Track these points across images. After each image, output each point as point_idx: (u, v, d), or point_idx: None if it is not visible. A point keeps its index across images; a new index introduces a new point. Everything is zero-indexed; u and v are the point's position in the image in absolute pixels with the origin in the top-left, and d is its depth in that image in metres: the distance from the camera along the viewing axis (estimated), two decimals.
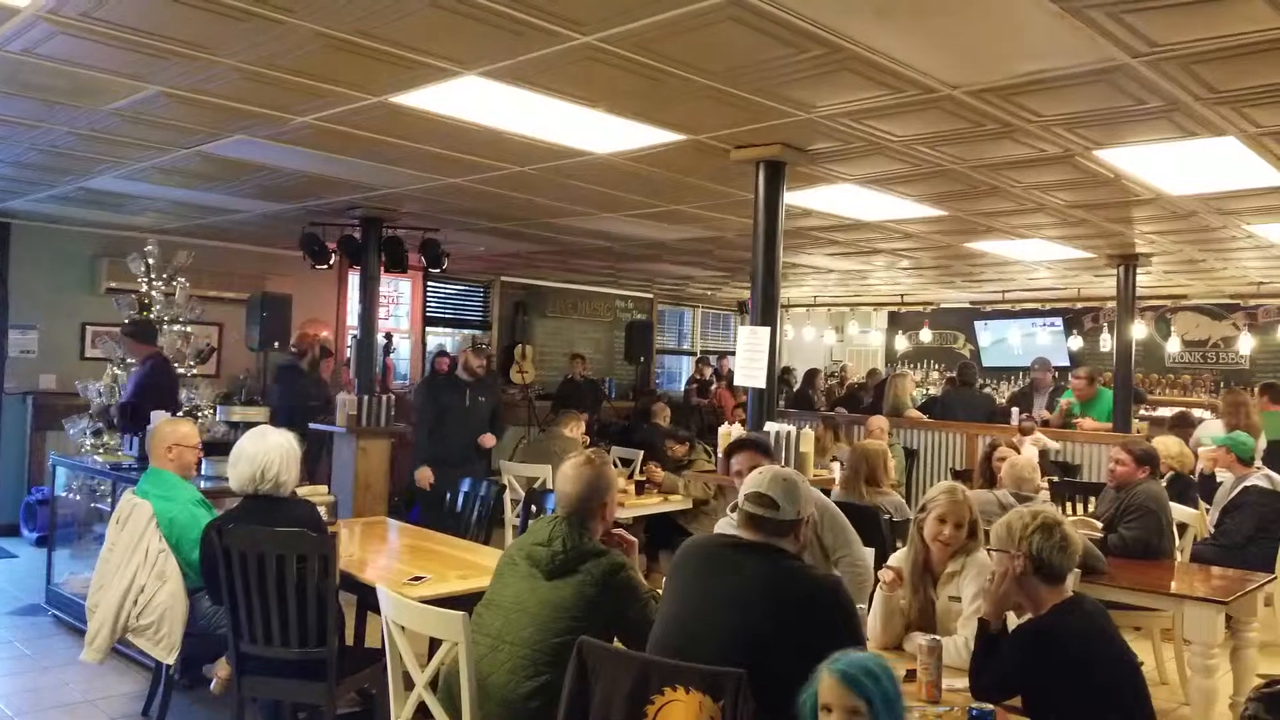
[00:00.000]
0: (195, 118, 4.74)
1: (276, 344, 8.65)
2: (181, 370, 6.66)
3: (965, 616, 3.09)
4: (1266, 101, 3.87)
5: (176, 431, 4.35)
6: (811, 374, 12.60)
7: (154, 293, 6.57)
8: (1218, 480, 6.32)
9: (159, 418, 5.00)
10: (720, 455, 5.19)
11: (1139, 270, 8.32)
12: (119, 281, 7.98)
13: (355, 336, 7.85)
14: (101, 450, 6.13)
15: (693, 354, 14.71)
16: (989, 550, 2.85)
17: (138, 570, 3.87)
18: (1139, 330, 10.05)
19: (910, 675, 2.79)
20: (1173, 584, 4.37)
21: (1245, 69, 3.49)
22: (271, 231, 8.47)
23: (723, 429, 5.35)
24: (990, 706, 2.38)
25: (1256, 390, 8.66)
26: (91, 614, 4.01)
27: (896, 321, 15.65)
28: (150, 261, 6.60)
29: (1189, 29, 3.15)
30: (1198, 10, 3.00)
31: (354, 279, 9.12)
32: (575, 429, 7.19)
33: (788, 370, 13.12)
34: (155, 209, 7.58)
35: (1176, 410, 8.92)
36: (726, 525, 2.86)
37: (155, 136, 5.16)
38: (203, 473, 5.19)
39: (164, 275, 6.64)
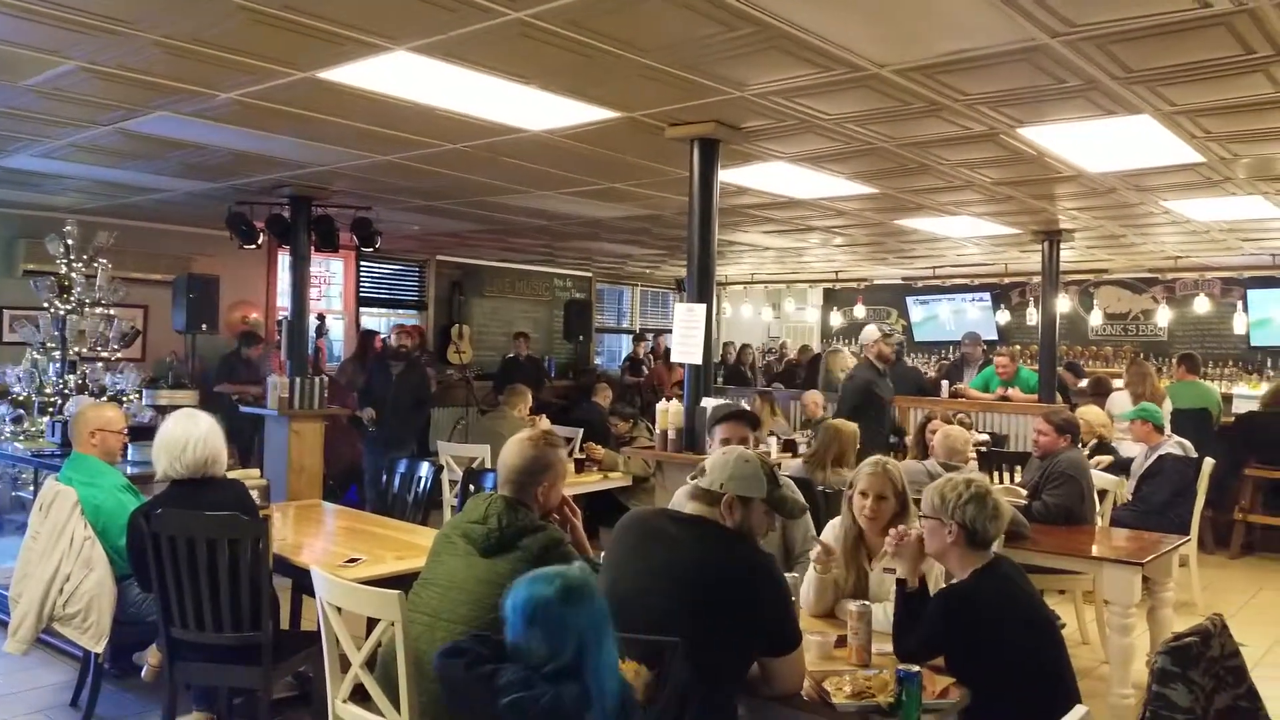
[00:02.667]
0: (116, 94, 4.60)
1: (204, 326, 8.46)
2: (105, 354, 6.49)
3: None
4: (1180, 81, 4.00)
5: (101, 416, 4.25)
6: (744, 350, 12.76)
7: (74, 275, 6.37)
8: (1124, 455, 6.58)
9: (81, 403, 4.88)
10: (661, 434, 5.25)
11: (1063, 246, 8.57)
12: (37, 263, 7.70)
13: (285, 318, 7.71)
14: (22, 437, 5.96)
15: (632, 332, 14.75)
16: (919, 516, 2.92)
17: (62, 558, 3.78)
18: (1063, 304, 10.35)
19: (841, 641, 2.87)
20: (1093, 548, 4.54)
21: (1159, 49, 3.62)
22: (197, 211, 8.26)
23: (660, 405, 5.39)
24: (916, 668, 2.46)
25: (1174, 360, 9.01)
26: (15, 604, 3.92)
27: (832, 298, 15.87)
28: (70, 243, 6.40)
29: (1105, 9, 3.25)
30: None
31: (284, 259, 8.96)
32: (522, 408, 7.14)
33: (728, 346, 13.26)
34: (75, 188, 7.34)
35: (1092, 378, 9.23)
36: (683, 496, 2.88)
37: (74, 113, 5.01)
38: (129, 457, 5.07)
39: (84, 257, 6.45)
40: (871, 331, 7.32)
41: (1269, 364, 11.63)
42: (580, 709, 1.94)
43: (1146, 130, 4.76)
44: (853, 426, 5.60)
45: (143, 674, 3.81)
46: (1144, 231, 8.57)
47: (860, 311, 14.25)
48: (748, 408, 4.65)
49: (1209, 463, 6.11)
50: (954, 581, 2.81)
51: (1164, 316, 12.05)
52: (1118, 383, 8.43)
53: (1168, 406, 7.36)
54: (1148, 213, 7.42)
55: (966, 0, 3.18)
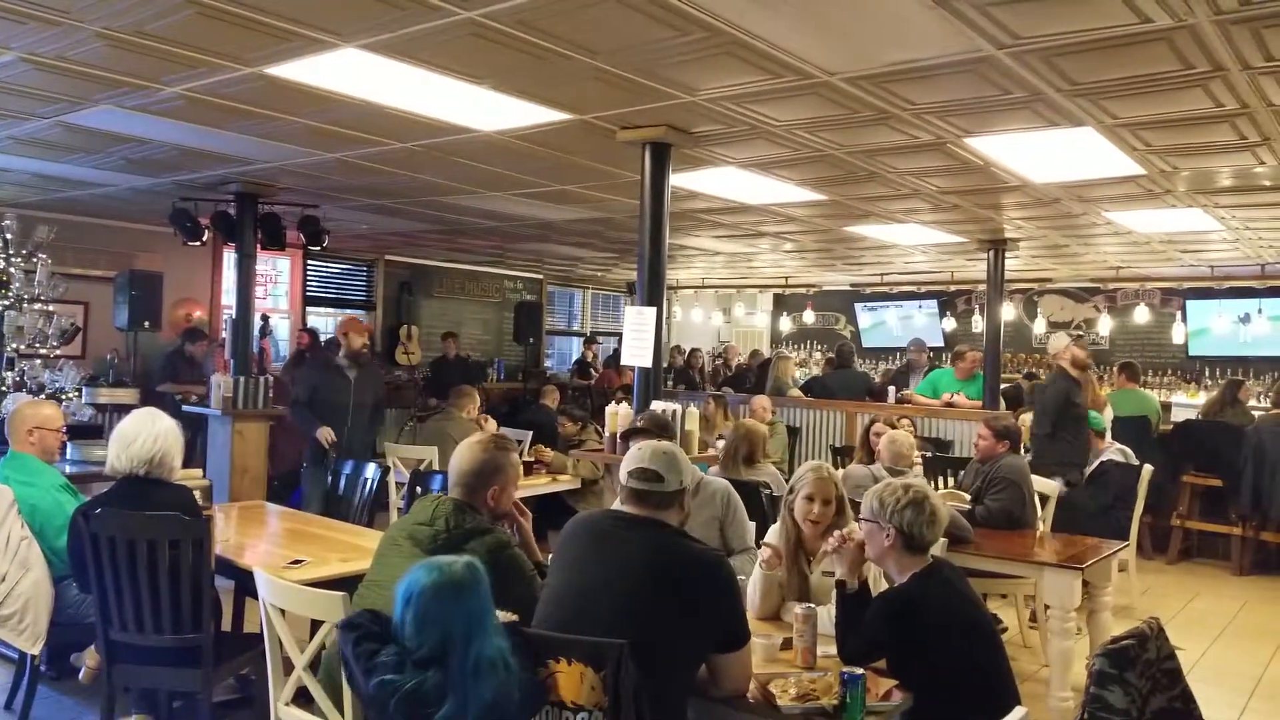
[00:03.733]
0: (57, 86, 4.50)
1: (147, 324, 8.29)
2: (44, 351, 6.33)
3: None
4: (1122, 94, 4.11)
5: (39, 414, 4.16)
6: (694, 353, 12.83)
7: (12, 270, 6.21)
8: None
9: (19, 400, 4.76)
10: (611, 437, 5.25)
11: (1008, 254, 8.72)
12: None
13: (230, 316, 7.58)
14: None
15: (583, 335, 14.73)
16: (859, 520, 2.96)
17: None
18: (1008, 312, 10.57)
19: (787, 643, 2.90)
20: (1035, 551, 4.62)
21: (1102, 63, 3.71)
22: (140, 207, 8.10)
23: (610, 408, 5.40)
24: (861, 670, 2.50)
25: (1115, 369, 9.22)
26: None
27: (781, 303, 16.01)
28: (8, 237, 6.24)
29: (1050, 23, 3.33)
30: (1058, 6, 3.17)
31: (229, 257, 8.81)
32: (471, 409, 7.07)
33: (678, 350, 13.31)
34: (13, 181, 7.15)
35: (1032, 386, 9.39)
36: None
37: (12, 105, 4.89)
38: (67, 456, 4.96)
39: (23, 251, 6.29)
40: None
41: (1207, 373, 11.95)
42: (439, 700, 1.99)
43: (1089, 142, 4.87)
44: (760, 426, 5.66)
45: (80, 676, 3.74)
46: (1086, 241, 8.77)
47: (809, 317, 14.40)
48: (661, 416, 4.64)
49: (1148, 469, 6.26)
50: (894, 585, 2.85)
51: (1105, 325, 12.33)
52: None
53: (1109, 414, 7.54)
54: (1090, 223, 7.60)
55: (915, 11, 3.24)
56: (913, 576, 2.78)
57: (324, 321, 11.47)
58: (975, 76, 3.91)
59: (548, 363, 14.21)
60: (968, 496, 5.10)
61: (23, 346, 6.23)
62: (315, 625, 2.76)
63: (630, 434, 4.22)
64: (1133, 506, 6.10)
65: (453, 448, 6.11)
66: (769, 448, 6.07)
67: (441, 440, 6.60)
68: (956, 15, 3.26)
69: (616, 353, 13.29)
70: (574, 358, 14.20)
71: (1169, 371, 12.21)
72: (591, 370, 12.67)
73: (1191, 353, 12.14)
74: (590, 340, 13.95)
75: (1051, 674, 4.28)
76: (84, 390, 6.28)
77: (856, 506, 3.37)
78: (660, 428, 4.16)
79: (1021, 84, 3.98)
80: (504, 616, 2.28)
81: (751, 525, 4.00)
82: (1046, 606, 4.42)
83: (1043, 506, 5.55)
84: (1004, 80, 3.94)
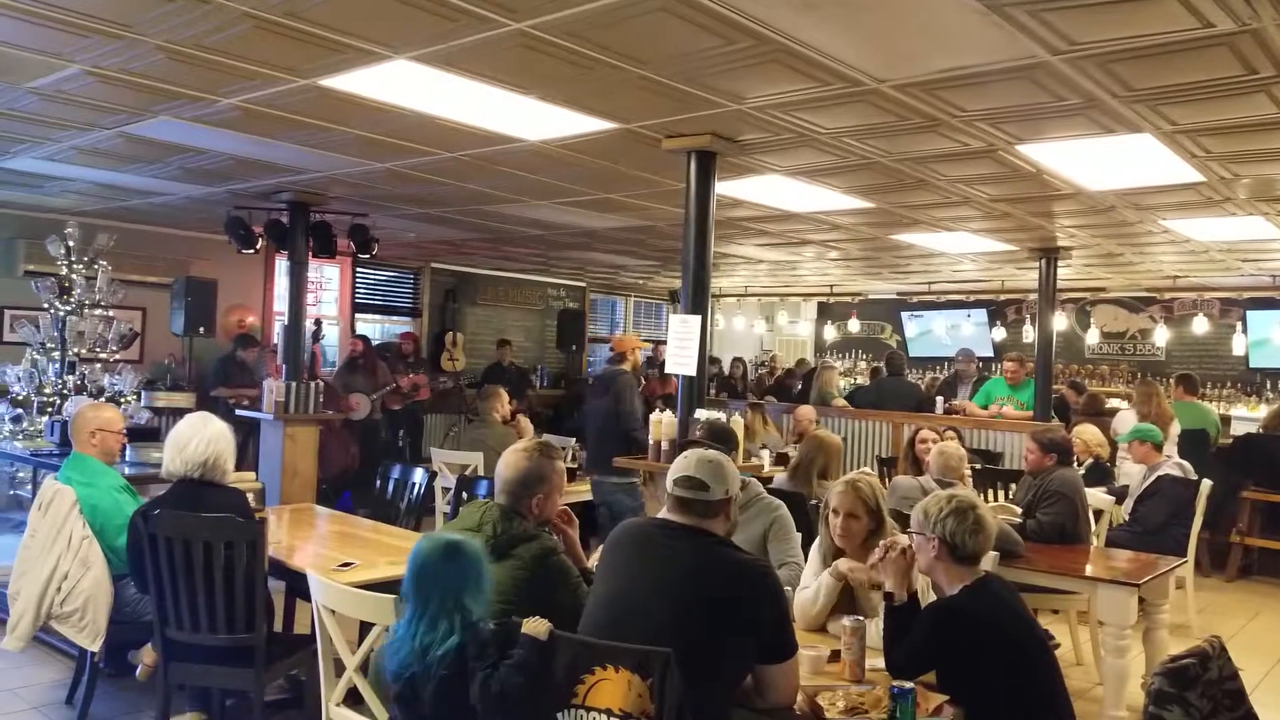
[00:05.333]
0: (118, 98, 4.61)
1: (202, 329, 8.48)
2: (103, 355, 6.49)
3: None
4: (1181, 100, 4.02)
5: (100, 417, 4.27)
6: (736, 363, 12.78)
7: (74, 276, 6.38)
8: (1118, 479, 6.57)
9: (81, 404, 4.88)
10: (655, 445, 5.24)
11: (1060, 263, 8.58)
12: (38, 264, 7.71)
13: (282, 323, 7.72)
14: (21, 436, 5.96)
15: None
16: (908, 532, 2.93)
17: (60, 557, 3.79)
18: (1060, 322, 10.39)
19: (835, 655, 2.87)
20: (1088, 567, 4.53)
21: (1161, 68, 3.64)
22: (196, 215, 8.28)
23: (654, 416, 5.39)
24: (910, 685, 2.46)
25: (1172, 381, 9.02)
26: (13, 601, 3.93)
27: (825, 312, 15.90)
28: (70, 244, 6.41)
29: (1107, 28, 3.27)
30: (1115, 10, 3.11)
31: (281, 264, 8.97)
32: (500, 408, 7.12)
33: (714, 360, 13.27)
34: (75, 190, 7.35)
35: (1086, 396, 9.23)
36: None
37: (77, 116, 5.02)
38: (126, 458, 5.07)
39: (85, 258, 6.45)
40: None
41: (1268, 385, 11.65)
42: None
43: (1147, 149, 4.78)
44: (836, 439, 5.60)
45: (137, 673, 3.82)
46: (1142, 250, 8.60)
47: (854, 326, 14.29)
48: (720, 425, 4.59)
49: (1207, 484, 6.11)
50: (942, 596, 2.81)
51: (1162, 336, 12.07)
52: (1113, 401, 8.43)
53: (1175, 428, 7.35)
54: (1146, 231, 7.45)
55: (967, 17, 3.21)
56: (963, 589, 2.74)
57: (372, 328, 11.62)
58: (1028, 83, 3.85)
59: (590, 370, 14.25)
60: (1018, 510, 5.02)
61: (83, 351, 6.39)
62: (364, 626, 2.80)
63: (689, 444, 4.19)
64: (1190, 522, 5.95)
65: (491, 454, 6.21)
66: None
67: (480, 446, 6.68)
68: (1010, 21, 3.22)
69: (650, 359, 13.27)
70: None
71: (1228, 384, 11.89)
72: (640, 379, 12.66)
73: (1252, 364, 11.84)
74: None
75: (1106, 692, 4.20)
76: (142, 394, 6.41)
77: (904, 519, 3.34)
78: (719, 437, 4.10)
79: (1077, 90, 3.92)
80: (533, 626, 2.31)
81: (798, 537, 3.96)
82: (1101, 623, 4.33)
83: (1096, 521, 5.44)
84: (1058, 86, 3.89)
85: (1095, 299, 12.96)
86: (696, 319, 5.07)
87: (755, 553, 3.69)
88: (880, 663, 2.82)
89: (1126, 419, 7.54)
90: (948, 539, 2.74)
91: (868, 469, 3.56)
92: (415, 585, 2.42)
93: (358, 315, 11.39)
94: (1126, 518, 6.09)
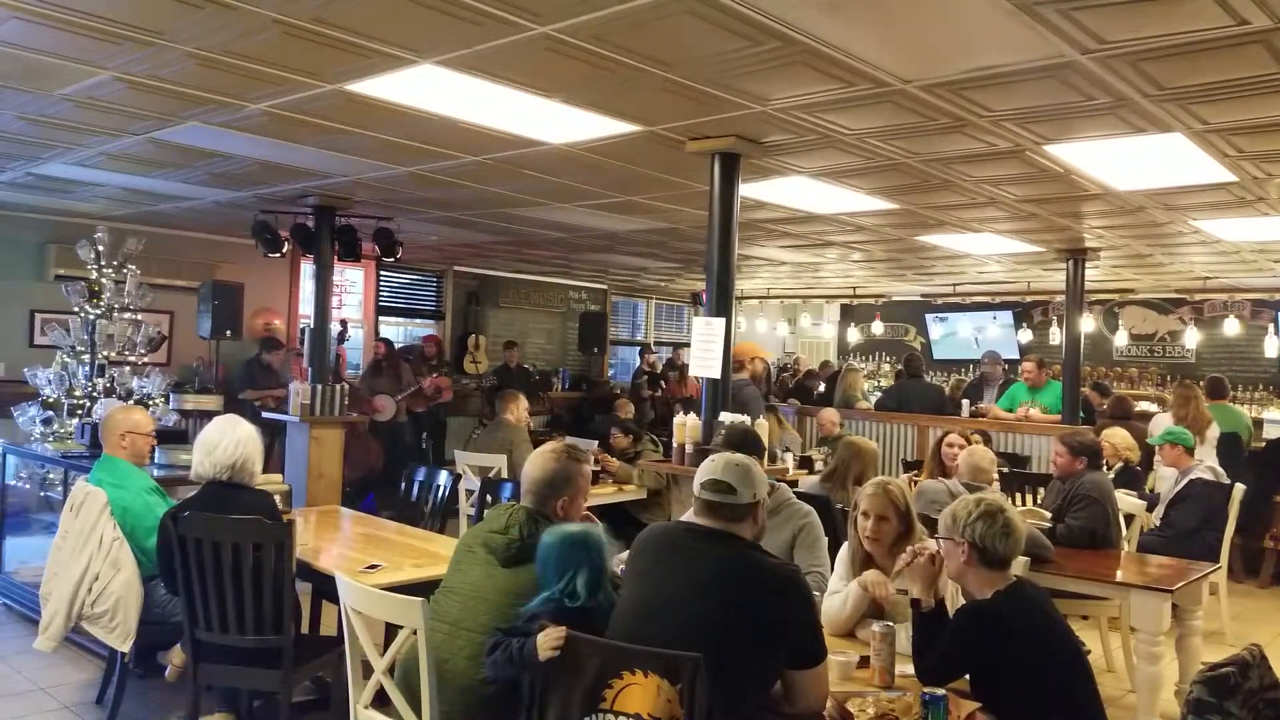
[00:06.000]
0: (148, 104, 4.66)
1: (228, 332, 8.55)
2: (132, 358, 6.56)
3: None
4: (1214, 99, 3.98)
5: (130, 419, 4.31)
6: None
7: (104, 280, 6.44)
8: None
9: (111, 406, 4.93)
10: (679, 448, 5.23)
11: (1087, 264, 8.50)
12: (68, 268, 7.80)
13: (308, 326, 7.77)
14: (51, 439, 6.02)
15: (643, 345, 14.74)
16: (936, 537, 2.90)
17: (91, 558, 3.83)
18: (1087, 324, 10.27)
19: (864, 661, 2.85)
20: (1119, 573, 4.47)
21: (1193, 66, 3.59)
22: (223, 219, 8.35)
23: (677, 419, 5.39)
24: (942, 691, 2.44)
25: (1201, 384, 8.89)
26: (45, 602, 3.97)
27: (849, 314, 15.82)
28: (100, 249, 6.47)
29: (1138, 26, 3.23)
30: (1147, 8, 3.08)
31: (306, 267, 9.03)
32: (516, 411, 7.14)
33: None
34: (105, 195, 7.43)
35: (1113, 398, 9.12)
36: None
37: (107, 122, 5.08)
38: (156, 460, 5.12)
39: (114, 262, 6.51)
40: None
41: None
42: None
43: (1177, 148, 4.73)
44: (873, 445, 5.54)
45: (166, 674, 3.84)
46: (1172, 251, 8.51)
47: (878, 328, 14.19)
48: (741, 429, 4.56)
49: (1239, 488, 6.02)
50: (972, 601, 2.78)
51: (1192, 338, 11.92)
52: (1142, 404, 8.32)
53: (1213, 431, 7.25)
54: (1177, 232, 7.37)
55: (995, 17, 3.18)
56: (995, 593, 2.70)
57: (395, 331, 11.68)
58: (1057, 82, 3.82)
59: (611, 373, 14.26)
60: (1048, 515, 4.96)
61: (113, 354, 6.45)
62: (389, 628, 2.80)
63: (705, 452, 4.16)
64: (1222, 527, 5.86)
65: (509, 454, 6.23)
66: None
67: (498, 447, 6.70)
68: (1039, 20, 3.19)
69: (670, 362, 13.26)
70: (635, 368, 14.17)
71: (1260, 386, 11.70)
72: (661, 381, 12.65)
73: None
74: (647, 349, 13.93)
75: (1139, 700, 4.14)
76: (170, 396, 6.46)
77: (931, 523, 3.30)
78: (740, 445, 4.03)
79: (1106, 89, 3.88)
80: (550, 636, 2.35)
81: (826, 543, 3.92)
82: (1133, 629, 4.27)
83: (1127, 526, 5.37)
84: (1088, 86, 3.85)
85: (1124, 300, 12.82)
86: (721, 321, 5.06)
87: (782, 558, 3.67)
88: (910, 669, 2.79)
89: (1163, 422, 7.43)
90: (977, 543, 2.71)
91: (888, 478, 3.52)
92: (540, 564, 2.65)
93: (381, 318, 11.46)
94: (1158, 523, 6.01)
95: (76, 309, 6.40)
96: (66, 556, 3.92)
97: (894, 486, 3.33)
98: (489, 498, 5.31)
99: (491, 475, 6.19)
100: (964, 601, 2.91)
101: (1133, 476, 6.43)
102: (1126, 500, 5.47)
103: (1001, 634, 2.59)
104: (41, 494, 6.00)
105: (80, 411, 6.16)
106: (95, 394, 6.24)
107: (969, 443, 5.86)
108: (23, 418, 6.21)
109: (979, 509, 2.76)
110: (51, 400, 6.24)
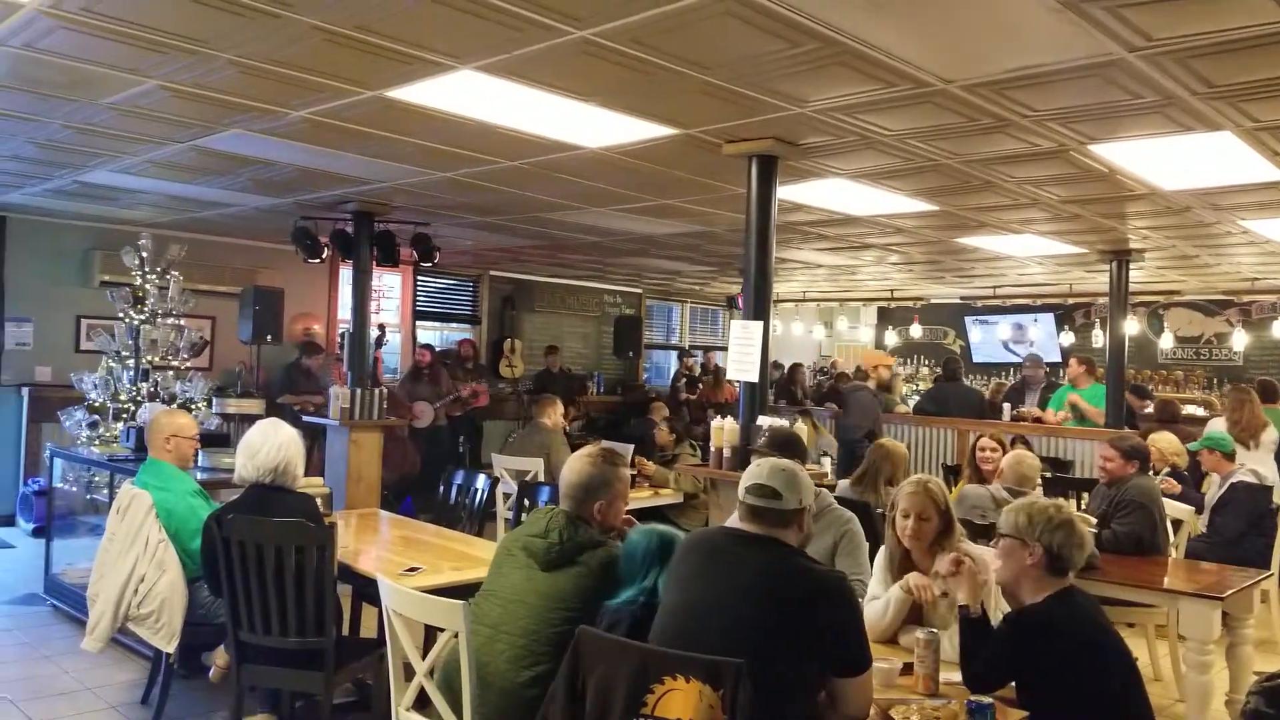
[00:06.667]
0: (192, 112, 4.73)
1: (269, 337, 8.65)
2: (175, 363, 6.65)
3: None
4: (1264, 96, 3.89)
5: (175, 423, 4.37)
6: (795, 369, 12.64)
7: (148, 286, 6.55)
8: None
9: (155, 410, 5.00)
10: (716, 452, 5.21)
11: (1132, 266, 8.37)
12: (113, 275, 7.95)
13: (347, 330, 7.84)
14: (97, 442, 6.13)
15: (681, 349, 14.73)
16: (1000, 535, 2.85)
17: (138, 560, 3.88)
18: (1131, 326, 10.10)
19: (907, 668, 2.81)
20: (1166, 579, 4.38)
21: (1243, 63, 3.52)
22: (263, 225, 8.46)
23: (715, 422, 5.36)
24: (989, 700, 2.40)
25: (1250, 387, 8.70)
26: (92, 603, 4.03)
27: (886, 317, 15.68)
28: (144, 255, 6.58)
29: (1187, 23, 3.17)
30: (1197, 4, 3.02)
31: (345, 273, 9.12)
32: (553, 415, 7.16)
33: (777, 365, 13.16)
34: (149, 203, 7.55)
35: (1159, 402, 8.95)
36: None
37: (151, 130, 5.15)
38: (199, 464, 5.18)
39: (157, 269, 6.62)
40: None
41: None
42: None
43: (1226, 147, 4.64)
44: (902, 447, 5.51)
45: (210, 675, 3.88)
46: (1219, 252, 8.34)
47: (916, 331, 14.05)
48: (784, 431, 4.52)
49: None
50: (1024, 607, 2.73)
51: (1239, 340, 11.69)
52: (1189, 408, 8.16)
53: (1270, 434, 7.08)
54: (1224, 232, 7.23)
55: (1040, 15, 3.13)
56: (1048, 598, 2.65)
57: (432, 335, 11.76)
58: (1103, 81, 3.75)
59: (645, 376, 14.24)
60: (1093, 520, 4.87)
61: (156, 358, 6.55)
62: (429, 630, 2.81)
63: (756, 452, 4.14)
64: (1272, 533, 5.71)
65: (547, 458, 6.24)
66: None
67: (538, 451, 6.72)
68: (1085, 17, 3.14)
69: (704, 366, 13.22)
70: (671, 371, 14.16)
71: None
72: (699, 384, 12.63)
73: None
74: (686, 353, 13.92)
75: (1188, 710, 4.05)
76: (213, 400, 6.54)
77: (973, 527, 3.27)
78: (783, 446, 4.00)
79: (1154, 88, 3.81)
80: None
81: (867, 549, 3.88)
82: (1182, 638, 4.18)
83: (1175, 532, 5.27)
84: (1134, 84, 3.78)
85: (1169, 302, 12.60)
86: (758, 325, 5.03)
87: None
88: (955, 676, 2.75)
89: (1218, 426, 7.27)
90: (1053, 550, 2.67)
91: (927, 476, 3.48)
92: (626, 559, 2.82)
93: (418, 322, 11.54)
94: (1204, 530, 5.88)
95: (121, 314, 6.51)
96: (113, 558, 3.98)
97: (934, 484, 3.29)
98: (526, 501, 5.32)
99: (529, 479, 6.21)
100: (1006, 607, 2.87)
101: (1179, 481, 6.30)
102: (1174, 506, 5.36)
103: (1051, 640, 2.55)
104: (88, 497, 6.10)
105: (125, 415, 6.26)
106: (140, 398, 6.34)
107: (1002, 447, 5.79)
108: (69, 422, 6.32)
109: (1060, 517, 2.73)
110: (97, 404, 6.34)
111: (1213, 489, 6.08)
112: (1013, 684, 2.65)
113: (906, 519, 3.22)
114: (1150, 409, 9.18)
